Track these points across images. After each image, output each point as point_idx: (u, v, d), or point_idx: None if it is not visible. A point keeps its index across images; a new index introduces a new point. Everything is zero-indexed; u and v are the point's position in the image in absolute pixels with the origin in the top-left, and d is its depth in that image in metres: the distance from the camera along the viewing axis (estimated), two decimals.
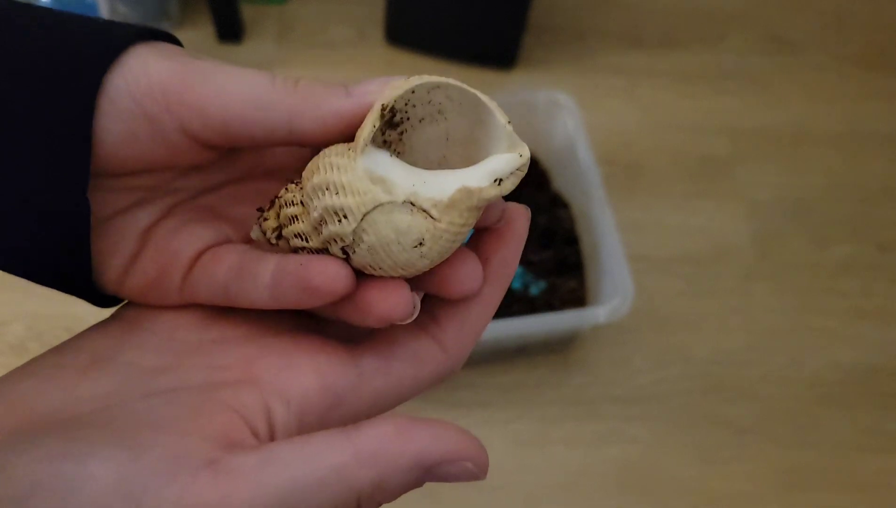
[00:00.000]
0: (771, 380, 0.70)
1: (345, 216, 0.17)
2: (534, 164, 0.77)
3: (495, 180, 0.17)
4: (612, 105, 0.86)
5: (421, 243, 0.17)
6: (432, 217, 0.17)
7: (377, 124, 0.17)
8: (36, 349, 0.66)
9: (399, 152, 0.19)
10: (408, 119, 0.18)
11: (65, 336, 0.78)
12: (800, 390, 0.70)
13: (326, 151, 0.18)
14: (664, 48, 0.91)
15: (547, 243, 0.65)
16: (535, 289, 0.63)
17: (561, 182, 0.72)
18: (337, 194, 0.17)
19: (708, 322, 0.73)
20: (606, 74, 0.88)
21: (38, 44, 0.16)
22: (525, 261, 0.64)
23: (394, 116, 0.18)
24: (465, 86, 0.17)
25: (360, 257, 0.18)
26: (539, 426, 0.66)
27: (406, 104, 0.18)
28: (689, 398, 0.69)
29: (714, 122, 0.86)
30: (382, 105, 0.17)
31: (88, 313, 0.77)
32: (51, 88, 0.16)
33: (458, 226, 0.17)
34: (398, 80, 0.18)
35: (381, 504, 0.18)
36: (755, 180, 0.82)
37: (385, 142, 0.19)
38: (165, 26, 0.86)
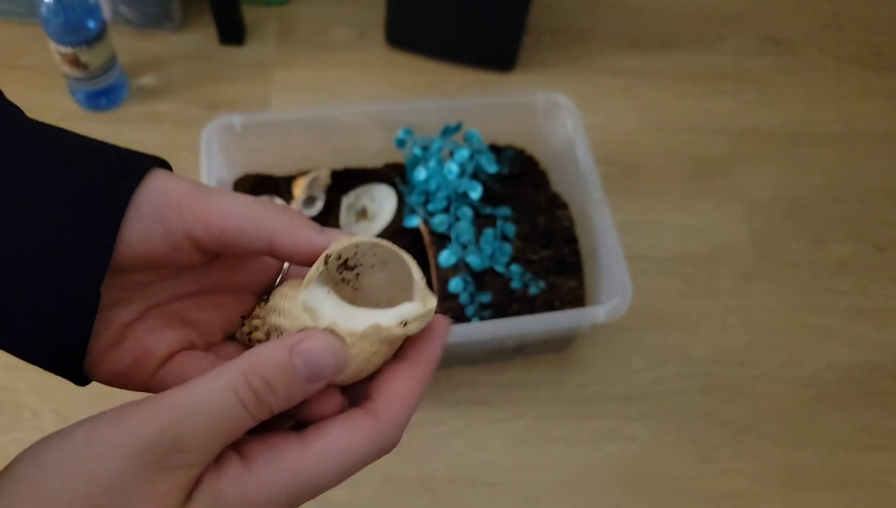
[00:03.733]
0: (769, 379, 0.71)
1: (281, 333, 0.23)
2: (533, 164, 0.77)
3: (402, 323, 0.22)
4: (610, 106, 0.86)
5: (363, 362, 0.22)
6: (346, 343, 0.22)
7: (321, 268, 0.23)
8: None
9: (356, 289, 0.24)
10: (361, 265, 0.24)
11: None
12: (798, 389, 0.70)
13: (288, 282, 0.24)
14: (662, 49, 0.91)
15: (546, 242, 0.65)
16: (535, 289, 0.63)
17: (560, 182, 0.73)
18: (280, 316, 0.23)
19: (706, 322, 0.73)
20: (605, 75, 0.88)
21: (78, 167, 0.22)
22: (525, 261, 0.65)
23: (347, 262, 0.24)
24: (394, 248, 0.23)
25: None
26: (538, 425, 0.67)
27: (356, 254, 0.24)
28: (688, 397, 0.69)
29: (712, 122, 0.86)
30: (326, 254, 0.23)
31: None
32: (90, 198, 0.22)
33: (368, 353, 0.22)
34: (350, 236, 0.23)
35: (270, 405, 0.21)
36: (753, 180, 0.82)
37: (344, 280, 0.24)
38: (167, 28, 0.86)
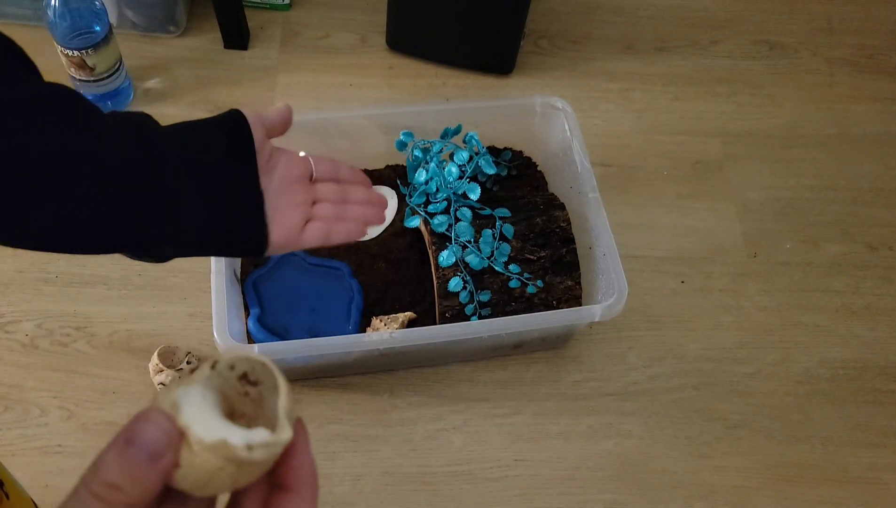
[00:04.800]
0: (763, 376, 0.72)
1: None
2: (531, 166, 0.78)
3: (247, 446, 0.22)
4: (606, 109, 0.88)
5: (177, 466, 0.22)
6: (192, 450, 0.22)
7: (206, 372, 0.24)
8: (46, 347, 0.68)
9: (260, 407, 0.25)
10: (263, 383, 0.25)
11: (73, 335, 0.81)
12: (791, 386, 0.72)
13: (184, 374, 0.25)
14: (658, 53, 0.93)
15: (544, 243, 0.67)
16: (533, 288, 0.64)
17: (557, 184, 0.74)
18: (157, 403, 0.23)
19: (701, 320, 0.74)
20: (601, 79, 0.90)
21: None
22: (523, 260, 0.66)
23: (247, 376, 0.25)
24: (273, 370, 0.24)
25: None
26: (536, 421, 0.68)
27: (255, 370, 0.24)
28: (683, 394, 0.70)
29: (707, 124, 0.88)
30: (213, 360, 0.24)
31: (97, 313, 0.78)
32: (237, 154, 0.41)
33: (212, 467, 0.22)
34: (247, 351, 0.25)
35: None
36: (747, 181, 0.84)
37: (247, 394, 0.25)
38: (172, 32, 0.88)
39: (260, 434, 0.22)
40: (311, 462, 0.25)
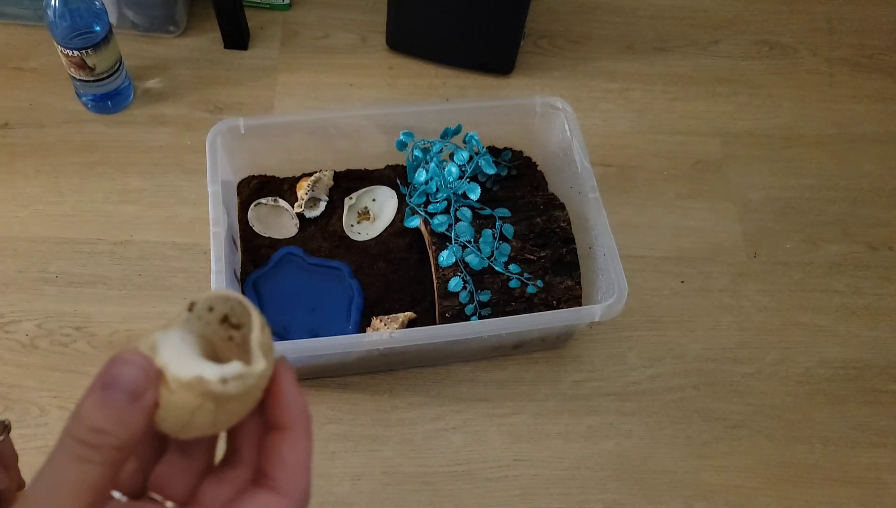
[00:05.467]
0: (763, 376, 0.72)
1: None
2: (531, 166, 0.78)
3: (222, 379, 0.22)
4: (606, 109, 0.88)
5: (158, 406, 0.22)
6: (170, 389, 0.22)
7: (183, 315, 0.24)
8: (45, 347, 0.68)
9: (244, 349, 0.24)
10: (245, 324, 0.24)
11: (73, 335, 0.81)
12: (791, 386, 0.72)
13: (176, 319, 0.24)
14: (657, 53, 0.93)
15: (544, 242, 0.67)
16: (533, 288, 0.64)
17: (557, 184, 0.74)
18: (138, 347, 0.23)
19: (701, 320, 0.74)
20: (601, 79, 0.90)
21: None
22: (523, 260, 0.66)
23: (228, 318, 0.25)
24: (247, 304, 0.24)
25: None
26: (536, 421, 0.68)
27: (235, 311, 0.24)
28: (683, 394, 0.70)
29: (706, 124, 0.88)
30: (191, 302, 0.24)
31: (97, 313, 0.79)
32: None
33: (191, 405, 0.22)
34: (224, 291, 0.24)
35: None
36: (747, 181, 0.84)
37: (231, 338, 0.25)
38: (172, 32, 0.88)
39: (233, 367, 0.22)
40: (301, 398, 0.24)
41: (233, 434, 0.25)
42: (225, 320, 0.25)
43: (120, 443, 0.21)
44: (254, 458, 0.24)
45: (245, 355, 0.24)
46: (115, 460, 0.21)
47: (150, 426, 0.22)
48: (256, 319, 0.24)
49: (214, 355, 0.24)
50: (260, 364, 0.23)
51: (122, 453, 0.21)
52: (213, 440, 0.25)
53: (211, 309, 0.24)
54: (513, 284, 0.65)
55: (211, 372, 0.22)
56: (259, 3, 0.91)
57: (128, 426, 0.21)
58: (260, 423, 0.24)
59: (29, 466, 0.66)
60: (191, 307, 0.24)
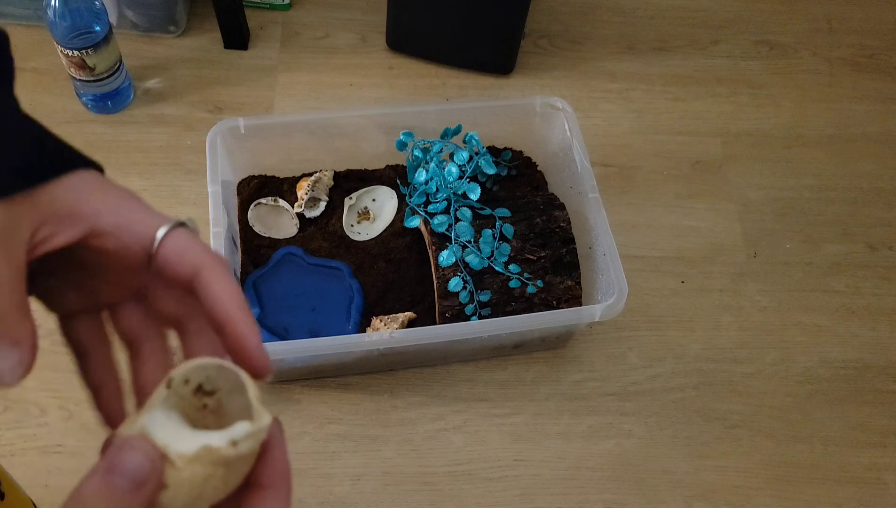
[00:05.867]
0: (763, 376, 0.72)
1: None
2: (531, 166, 0.78)
3: (232, 442, 0.22)
4: (606, 109, 0.88)
5: (165, 489, 0.21)
6: (177, 467, 0.21)
7: (163, 394, 0.23)
8: (46, 347, 0.67)
9: (220, 416, 0.24)
10: (220, 389, 0.24)
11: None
12: (791, 386, 0.72)
13: (145, 406, 0.23)
14: (657, 53, 0.93)
15: (544, 243, 0.67)
16: (533, 288, 0.64)
17: (557, 184, 0.74)
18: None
19: (701, 320, 0.74)
20: (601, 79, 0.90)
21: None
22: (523, 260, 0.66)
23: (202, 387, 0.24)
24: (233, 367, 0.23)
25: None
26: (536, 421, 0.68)
27: (209, 377, 0.24)
28: (683, 394, 0.70)
29: (706, 124, 0.88)
30: (168, 378, 0.23)
31: None
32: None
33: (202, 476, 0.22)
34: (197, 360, 0.24)
35: None
36: (747, 181, 0.84)
37: (205, 406, 0.24)
38: (172, 32, 0.88)
39: (240, 427, 0.22)
40: (286, 460, 0.24)
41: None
42: (199, 389, 0.24)
43: None
44: None
45: (221, 417, 0.24)
46: None
47: None
48: (246, 377, 0.23)
49: (193, 425, 0.23)
50: (266, 418, 0.23)
51: None
52: None
53: (187, 382, 0.24)
54: (513, 284, 0.65)
55: (216, 439, 0.22)
56: (259, 3, 0.91)
57: None
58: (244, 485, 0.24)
59: (29, 466, 0.67)
60: (168, 384, 0.23)
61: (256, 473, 0.23)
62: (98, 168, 0.26)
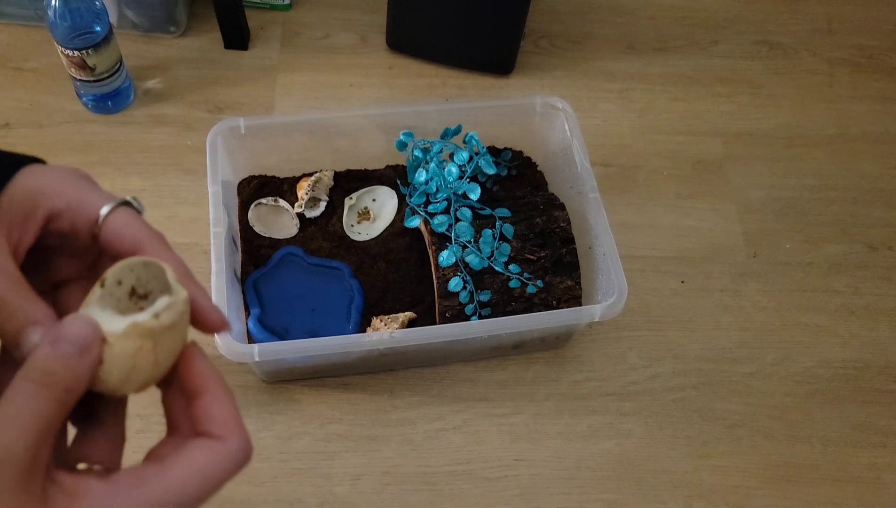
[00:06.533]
0: (762, 376, 0.72)
1: None
2: (531, 166, 0.78)
3: (154, 315, 0.25)
4: (607, 109, 0.88)
5: (113, 364, 0.25)
6: (109, 343, 0.24)
7: (97, 292, 0.26)
8: None
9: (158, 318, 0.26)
10: (151, 292, 0.27)
11: None
12: (791, 386, 0.72)
13: (99, 286, 0.27)
14: (658, 53, 0.93)
15: (544, 243, 0.67)
16: (533, 288, 0.64)
17: (557, 184, 0.74)
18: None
19: (701, 320, 0.74)
20: (601, 79, 0.90)
21: None
22: (523, 260, 0.66)
23: (135, 289, 0.27)
24: (149, 259, 0.26)
25: None
26: (536, 421, 0.68)
27: (139, 279, 0.27)
28: (683, 394, 0.70)
29: (707, 124, 0.88)
30: (102, 279, 0.26)
31: None
32: None
33: (132, 348, 0.25)
34: (124, 260, 0.26)
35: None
36: (747, 181, 0.84)
37: (142, 309, 0.26)
38: (173, 32, 0.88)
39: (161, 301, 0.25)
40: (210, 363, 0.26)
41: (169, 412, 0.27)
42: (132, 293, 0.27)
43: (68, 386, 0.23)
44: (191, 428, 0.26)
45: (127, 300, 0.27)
46: (65, 400, 0.23)
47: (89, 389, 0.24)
48: (165, 265, 0.26)
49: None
50: (183, 292, 0.26)
51: (70, 395, 0.23)
52: (124, 408, 0.27)
53: (119, 283, 0.26)
54: (513, 284, 0.65)
55: (141, 316, 0.25)
56: (259, 3, 0.91)
57: (76, 373, 0.23)
58: (184, 398, 0.26)
59: None
60: (102, 283, 0.26)
61: (192, 384, 0.26)
62: (40, 161, 0.28)
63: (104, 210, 0.27)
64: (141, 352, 0.25)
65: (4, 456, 0.21)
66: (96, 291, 0.26)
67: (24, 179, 0.26)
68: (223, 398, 0.25)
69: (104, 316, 0.25)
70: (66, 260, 0.29)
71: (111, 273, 0.26)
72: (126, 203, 0.28)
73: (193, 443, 0.25)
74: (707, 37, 0.95)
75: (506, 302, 0.65)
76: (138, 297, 0.27)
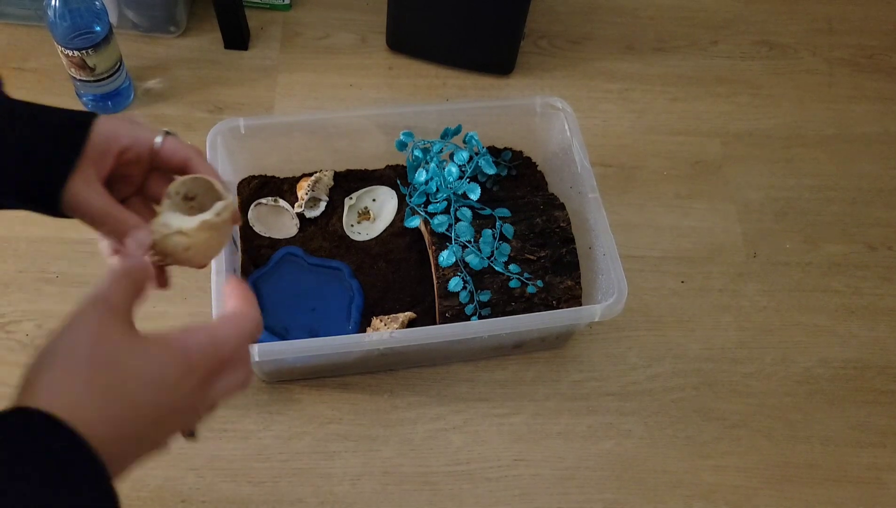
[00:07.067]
0: (762, 376, 0.72)
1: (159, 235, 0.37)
2: (531, 166, 0.78)
3: (216, 213, 0.37)
4: (606, 109, 0.88)
5: (187, 249, 0.37)
6: (183, 234, 0.36)
7: (166, 201, 0.38)
8: None
9: (201, 209, 0.38)
10: (197, 195, 0.39)
11: None
12: (790, 386, 0.72)
13: (161, 206, 0.38)
14: (657, 53, 0.93)
15: (544, 243, 0.67)
16: (533, 288, 0.64)
17: (557, 184, 0.74)
18: (155, 227, 0.37)
19: (700, 320, 0.74)
20: (601, 79, 0.90)
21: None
22: (523, 260, 0.66)
23: (187, 194, 0.38)
24: (204, 177, 0.38)
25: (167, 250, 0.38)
26: (536, 421, 0.68)
27: (189, 188, 0.38)
28: (682, 394, 0.70)
29: (706, 125, 0.88)
30: (167, 192, 0.37)
31: None
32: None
33: (204, 238, 0.37)
34: (183, 177, 0.38)
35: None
36: (747, 182, 0.84)
37: (191, 207, 0.39)
38: (173, 33, 0.88)
39: (219, 204, 0.37)
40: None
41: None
42: (185, 197, 0.38)
43: (137, 276, 0.32)
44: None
45: (203, 211, 0.37)
46: (140, 279, 0.31)
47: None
48: (213, 179, 0.37)
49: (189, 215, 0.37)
50: (228, 197, 0.37)
51: (141, 275, 0.32)
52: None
53: (178, 193, 0.38)
54: (513, 284, 0.65)
55: (207, 215, 0.36)
56: (259, 3, 0.91)
57: (140, 264, 0.32)
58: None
59: None
60: (168, 196, 0.37)
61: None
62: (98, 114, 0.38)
63: (158, 140, 0.37)
64: (210, 240, 0.36)
65: (115, 302, 0.30)
66: (165, 202, 0.37)
67: (99, 127, 0.36)
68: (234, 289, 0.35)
69: (175, 218, 0.36)
70: (124, 185, 0.39)
71: (172, 188, 0.37)
72: (168, 133, 0.38)
73: (221, 317, 0.33)
74: (707, 37, 0.95)
75: (506, 302, 0.65)
76: (188, 198, 0.38)
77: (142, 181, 0.39)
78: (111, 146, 0.35)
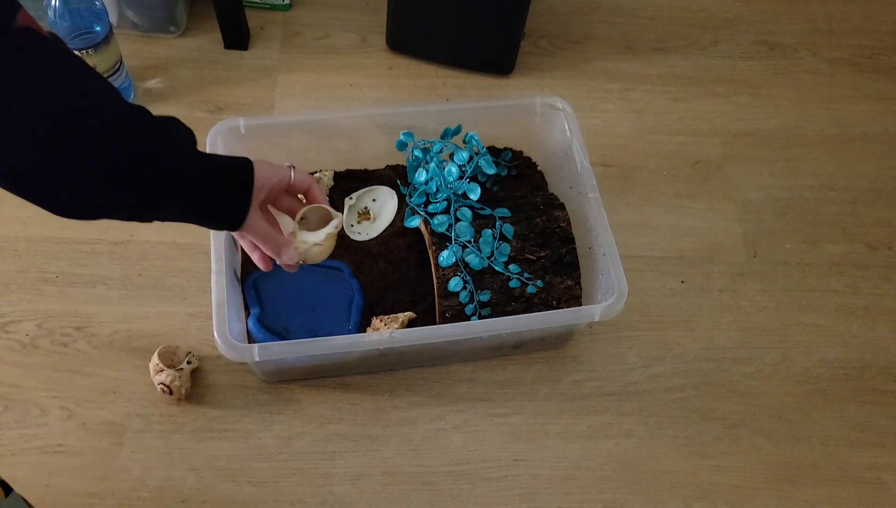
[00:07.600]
0: (762, 376, 0.72)
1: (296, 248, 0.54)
2: (531, 166, 0.78)
3: (335, 228, 0.53)
4: (606, 109, 0.88)
5: (321, 254, 0.54)
6: (319, 244, 0.53)
7: (297, 223, 0.53)
8: (46, 347, 0.68)
9: (308, 226, 0.54)
10: (307, 217, 0.54)
11: (74, 335, 0.83)
12: (790, 386, 0.72)
13: (297, 224, 0.53)
14: (657, 53, 0.93)
15: (544, 243, 0.67)
16: (533, 288, 0.64)
17: (557, 184, 0.74)
18: (296, 241, 0.53)
19: (700, 320, 0.74)
20: (601, 79, 0.90)
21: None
22: (523, 260, 0.66)
23: (304, 218, 0.53)
24: (324, 206, 0.53)
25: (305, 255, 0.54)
26: (536, 421, 0.68)
27: (307, 214, 0.53)
28: (682, 394, 0.70)
29: (706, 125, 0.88)
30: (298, 217, 0.53)
31: (97, 313, 0.78)
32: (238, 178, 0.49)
33: (327, 246, 0.54)
34: (306, 206, 0.53)
35: None
36: (747, 182, 0.84)
37: (305, 224, 0.54)
38: (173, 33, 0.88)
39: (336, 220, 0.53)
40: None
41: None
42: (302, 218, 0.53)
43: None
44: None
45: (311, 227, 0.53)
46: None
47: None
48: (327, 206, 0.53)
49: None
50: (338, 215, 0.53)
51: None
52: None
53: (303, 217, 0.53)
54: (513, 284, 0.65)
55: (329, 229, 0.52)
56: (259, 3, 0.91)
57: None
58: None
59: (28, 466, 0.67)
60: (299, 219, 0.52)
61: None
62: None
63: (292, 173, 0.51)
64: (328, 246, 0.53)
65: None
66: (297, 223, 0.52)
67: (257, 170, 0.48)
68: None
69: (305, 235, 0.52)
70: (269, 201, 0.52)
71: (301, 213, 0.52)
72: (292, 166, 0.51)
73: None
74: (707, 37, 0.95)
75: (506, 302, 0.65)
76: (302, 219, 0.53)
77: (276, 199, 0.53)
78: (265, 183, 0.48)
